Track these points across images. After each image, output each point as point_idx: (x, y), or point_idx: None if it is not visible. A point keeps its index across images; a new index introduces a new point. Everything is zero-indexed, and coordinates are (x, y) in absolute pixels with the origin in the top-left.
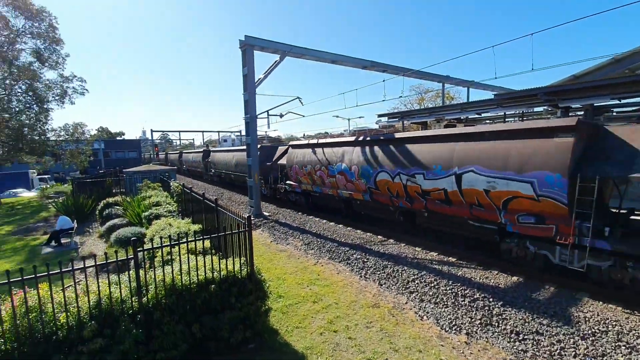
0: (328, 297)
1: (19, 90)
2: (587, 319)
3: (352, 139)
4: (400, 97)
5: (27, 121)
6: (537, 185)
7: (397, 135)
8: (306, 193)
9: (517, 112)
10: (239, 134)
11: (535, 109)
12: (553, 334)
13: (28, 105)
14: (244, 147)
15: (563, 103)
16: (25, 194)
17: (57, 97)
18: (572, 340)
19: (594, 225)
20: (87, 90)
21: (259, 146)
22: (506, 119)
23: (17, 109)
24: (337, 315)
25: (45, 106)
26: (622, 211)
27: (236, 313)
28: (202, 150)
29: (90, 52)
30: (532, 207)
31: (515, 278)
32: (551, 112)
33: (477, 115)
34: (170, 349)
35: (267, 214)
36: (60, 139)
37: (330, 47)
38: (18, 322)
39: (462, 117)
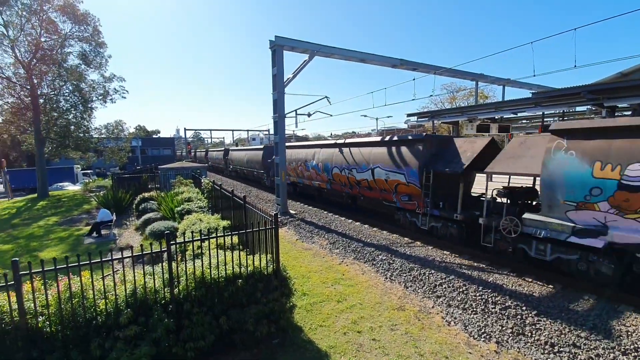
0: (352, 297)
1: (67, 91)
2: (629, 333)
3: (320, 143)
4: (431, 96)
5: (73, 119)
6: (407, 176)
7: (344, 141)
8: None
9: (557, 111)
10: (267, 132)
11: (577, 109)
12: (591, 347)
13: (74, 104)
14: (253, 147)
15: (609, 102)
16: (71, 188)
17: (100, 97)
18: (612, 355)
19: (432, 200)
20: (126, 91)
21: (262, 146)
22: (545, 119)
23: (65, 108)
24: (361, 315)
25: (89, 105)
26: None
27: (261, 308)
28: (222, 149)
29: (129, 53)
30: (406, 190)
31: (551, 287)
32: (595, 112)
33: (512, 115)
34: (199, 339)
35: (293, 212)
36: (102, 136)
37: (359, 45)
38: (62, 306)
39: (496, 117)
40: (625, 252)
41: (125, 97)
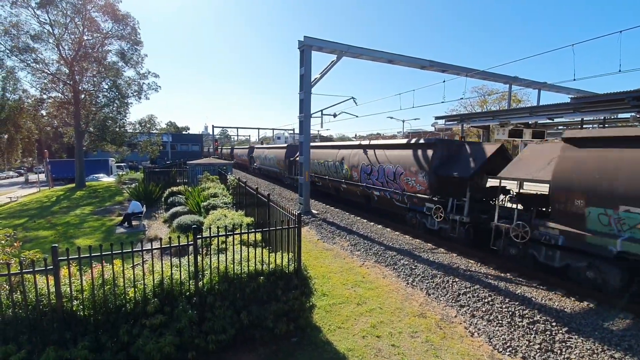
0: (372, 301)
1: (105, 87)
2: None
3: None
4: (462, 98)
5: (110, 114)
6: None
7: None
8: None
9: (598, 118)
10: (292, 131)
11: (620, 115)
12: None
13: (112, 100)
14: (277, 145)
15: None
16: (105, 179)
17: (135, 93)
18: None
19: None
20: (159, 86)
21: (286, 145)
22: (584, 125)
23: (103, 103)
24: (381, 320)
25: (125, 101)
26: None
27: (281, 305)
28: (247, 147)
29: (161, 49)
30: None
31: (584, 303)
32: (639, 119)
33: (548, 121)
34: (220, 332)
35: (315, 211)
36: (136, 131)
37: (387, 45)
38: (95, 292)
39: (530, 122)
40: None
41: (157, 91)
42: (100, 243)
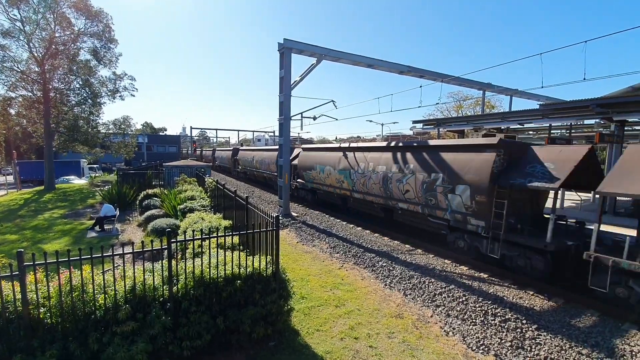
0: (351, 303)
1: (77, 85)
2: (634, 353)
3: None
4: (437, 103)
5: (82, 114)
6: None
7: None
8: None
9: (565, 123)
10: (272, 134)
11: (586, 121)
12: None
13: (83, 99)
14: (267, 147)
15: (618, 116)
16: (77, 181)
17: (109, 93)
18: None
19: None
20: (136, 89)
21: (274, 147)
22: (552, 131)
23: (74, 102)
24: (359, 322)
25: (98, 100)
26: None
27: (259, 309)
28: (231, 148)
29: (138, 50)
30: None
31: (552, 301)
32: (604, 125)
33: (519, 126)
34: (195, 338)
35: (295, 214)
36: (110, 131)
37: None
38: (63, 299)
39: (502, 127)
40: None
41: (134, 95)
42: (69, 248)
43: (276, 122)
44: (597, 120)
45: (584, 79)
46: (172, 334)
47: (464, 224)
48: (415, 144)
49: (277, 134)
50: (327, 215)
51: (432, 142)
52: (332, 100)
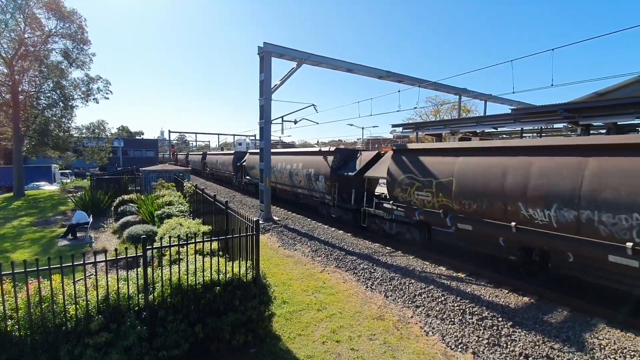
0: (332, 306)
1: (47, 88)
2: (602, 346)
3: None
4: (415, 108)
5: (53, 117)
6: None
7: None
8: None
9: (535, 127)
10: (253, 137)
11: (555, 126)
12: (565, 359)
13: (54, 102)
14: (225, 152)
15: (584, 120)
16: (48, 188)
17: (82, 96)
18: None
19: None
20: (110, 92)
21: (233, 151)
22: (523, 135)
23: (45, 105)
24: (341, 325)
25: (70, 104)
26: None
27: (239, 316)
28: (201, 153)
29: (114, 52)
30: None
31: (526, 298)
32: (571, 129)
33: (493, 130)
34: (173, 347)
35: (276, 218)
36: (83, 135)
37: (348, 54)
38: (32, 310)
39: (477, 131)
40: None
41: (108, 98)
42: (38, 257)
43: (257, 126)
44: (565, 124)
45: (552, 85)
46: (148, 344)
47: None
48: (302, 150)
49: (258, 137)
50: (308, 219)
51: (304, 149)
52: (313, 104)
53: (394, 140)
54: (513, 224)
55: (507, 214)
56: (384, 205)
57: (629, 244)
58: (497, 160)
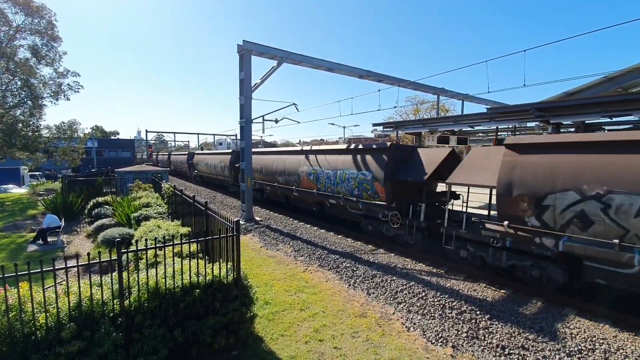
0: (315, 305)
1: (15, 86)
2: (573, 335)
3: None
4: (395, 107)
5: (22, 117)
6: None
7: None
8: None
9: (510, 126)
10: (234, 137)
11: (528, 124)
12: (539, 349)
13: (22, 100)
14: (221, 151)
15: (554, 119)
16: (16, 190)
17: (51, 94)
18: (557, 356)
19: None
20: (81, 86)
21: (230, 150)
22: (499, 133)
23: (12, 104)
24: (324, 324)
25: (39, 102)
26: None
27: (220, 318)
28: (186, 153)
29: (87, 50)
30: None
31: (502, 292)
32: (543, 128)
33: (470, 128)
34: (151, 353)
35: (258, 218)
36: (54, 136)
37: (329, 54)
38: None
39: (455, 130)
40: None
41: (78, 92)
42: (4, 263)
43: (237, 125)
44: (537, 122)
45: (524, 85)
46: (124, 351)
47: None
48: (336, 148)
49: (238, 137)
50: (291, 219)
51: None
52: (294, 103)
53: (375, 139)
54: None
55: None
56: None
57: None
58: None
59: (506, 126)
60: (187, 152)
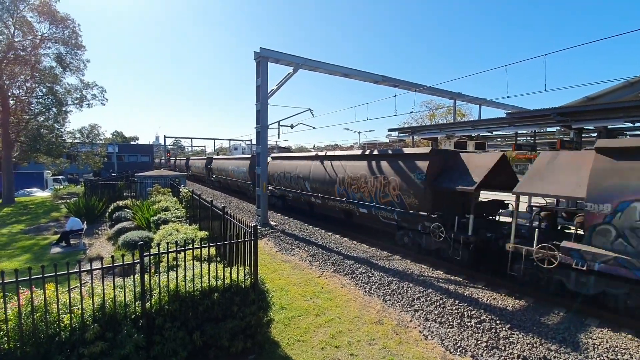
0: (331, 311)
1: (40, 93)
2: (595, 346)
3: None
4: (411, 112)
5: (46, 123)
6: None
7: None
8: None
9: (529, 131)
10: (249, 142)
11: (548, 129)
12: None
13: (47, 107)
14: (240, 156)
15: (576, 124)
16: (39, 194)
17: (75, 101)
18: None
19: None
20: (106, 99)
21: (250, 155)
22: (518, 138)
23: (37, 111)
24: (340, 330)
25: (63, 109)
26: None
27: (238, 322)
28: (205, 158)
29: (109, 57)
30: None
31: (523, 301)
32: (564, 133)
33: (488, 133)
34: (170, 355)
35: (273, 223)
36: (76, 141)
37: (344, 59)
38: (23, 321)
39: (472, 135)
40: None
41: (104, 104)
42: (30, 265)
43: (253, 131)
44: (558, 127)
45: (545, 89)
46: (145, 352)
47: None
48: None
49: (254, 142)
50: (305, 224)
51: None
52: (309, 109)
53: (390, 144)
54: None
55: None
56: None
57: None
58: None
59: (526, 131)
60: (205, 157)
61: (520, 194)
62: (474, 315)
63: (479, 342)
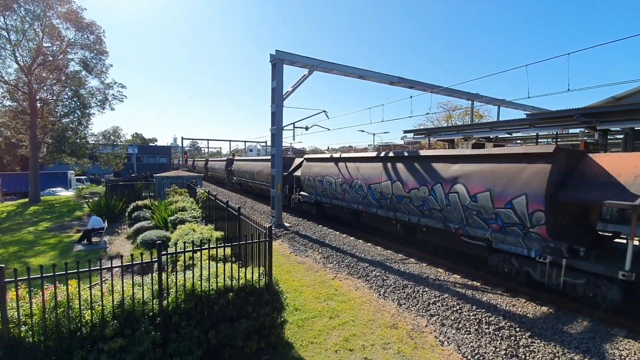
0: (345, 314)
1: (65, 96)
2: (623, 357)
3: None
4: (427, 114)
5: (71, 125)
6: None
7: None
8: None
9: (551, 133)
10: (264, 144)
11: (571, 131)
12: None
13: (72, 110)
14: (264, 157)
15: (601, 125)
16: (63, 193)
17: (98, 103)
18: None
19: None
20: (125, 96)
21: (268, 157)
22: (539, 140)
23: (62, 113)
24: (354, 333)
25: (87, 111)
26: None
27: (252, 322)
28: (224, 159)
29: (127, 58)
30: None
31: (545, 308)
32: (588, 134)
33: (507, 135)
34: (186, 353)
35: (287, 224)
36: (99, 142)
37: (359, 60)
38: (46, 316)
39: (491, 136)
40: None
41: (122, 101)
42: (54, 262)
43: (268, 132)
44: (581, 129)
45: (568, 89)
46: (161, 350)
47: None
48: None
49: (269, 144)
50: (320, 226)
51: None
52: (324, 111)
53: (405, 146)
54: None
55: None
56: None
57: None
58: None
59: (547, 133)
60: (225, 158)
61: None
62: (492, 322)
63: (497, 349)
